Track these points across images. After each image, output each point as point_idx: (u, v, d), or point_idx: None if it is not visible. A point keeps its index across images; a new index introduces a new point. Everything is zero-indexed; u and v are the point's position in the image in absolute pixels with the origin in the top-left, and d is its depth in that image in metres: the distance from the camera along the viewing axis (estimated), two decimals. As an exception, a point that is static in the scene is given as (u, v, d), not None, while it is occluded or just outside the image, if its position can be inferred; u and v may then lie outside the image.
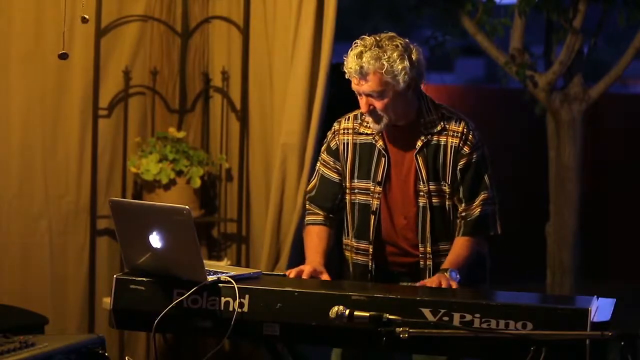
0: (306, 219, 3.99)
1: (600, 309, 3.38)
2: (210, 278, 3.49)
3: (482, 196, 3.82)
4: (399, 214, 3.86)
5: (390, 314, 3.15)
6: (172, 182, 5.35)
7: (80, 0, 4.45)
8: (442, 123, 3.81)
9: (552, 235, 6.17)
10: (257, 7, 5.40)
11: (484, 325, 3.29)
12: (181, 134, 5.47)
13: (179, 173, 5.35)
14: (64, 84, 5.33)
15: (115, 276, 3.61)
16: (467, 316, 3.31)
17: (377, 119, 3.77)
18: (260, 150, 5.47)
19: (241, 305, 3.45)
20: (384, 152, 3.83)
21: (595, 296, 3.45)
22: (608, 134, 8.67)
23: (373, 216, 3.86)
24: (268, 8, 5.36)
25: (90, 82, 5.33)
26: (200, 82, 5.60)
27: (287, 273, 3.79)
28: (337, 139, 3.92)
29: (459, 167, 3.80)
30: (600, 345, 3.17)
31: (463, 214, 3.83)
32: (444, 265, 3.75)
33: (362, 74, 3.69)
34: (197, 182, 5.37)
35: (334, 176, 3.94)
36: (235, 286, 3.46)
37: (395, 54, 3.67)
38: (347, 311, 3.21)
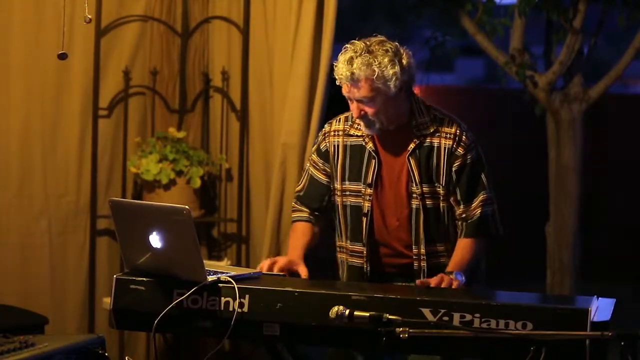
0: (292, 215, 4.01)
1: (600, 309, 3.38)
2: (210, 278, 3.50)
3: (481, 197, 3.82)
4: (391, 215, 3.86)
5: (390, 314, 3.15)
6: (172, 182, 5.35)
7: (80, 0, 4.46)
8: (434, 125, 3.81)
9: (552, 235, 6.17)
10: (257, 7, 5.40)
11: (484, 325, 3.29)
12: (181, 134, 5.47)
13: (179, 173, 5.35)
14: (64, 84, 5.33)
15: (115, 276, 3.61)
16: (467, 316, 3.31)
17: (369, 124, 3.76)
18: (260, 150, 5.47)
19: (241, 305, 3.46)
20: (374, 154, 3.83)
21: (595, 296, 3.46)
22: (608, 134, 8.66)
23: (365, 218, 3.85)
24: (268, 8, 5.36)
25: (90, 82, 5.33)
26: (200, 82, 5.60)
27: (260, 265, 3.79)
28: (327, 140, 3.93)
29: (453, 168, 3.80)
30: (600, 345, 3.17)
31: (463, 215, 3.83)
32: (449, 268, 3.74)
33: (353, 81, 3.67)
34: (197, 182, 5.37)
35: (323, 178, 3.94)
36: (235, 286, 3.46)
37: (386, 60, 3.66)
38: (347, 311, 3.21)
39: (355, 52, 3.68)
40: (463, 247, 3.81)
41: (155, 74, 5.51)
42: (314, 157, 3.97)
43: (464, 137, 3.81)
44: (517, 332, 3.25)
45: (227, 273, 3.58)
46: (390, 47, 3.69)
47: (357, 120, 3.81)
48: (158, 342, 5.04)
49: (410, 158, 3.80)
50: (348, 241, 3.92)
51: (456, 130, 3.80)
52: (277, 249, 5.25)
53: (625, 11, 5.85)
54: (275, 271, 3.77)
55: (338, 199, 3.91)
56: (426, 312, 3.33)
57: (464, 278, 3.68)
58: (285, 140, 5.19)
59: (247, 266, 5.38)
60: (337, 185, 3.90)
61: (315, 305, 3.40)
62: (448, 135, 3.80)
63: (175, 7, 5.54)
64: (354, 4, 7.97)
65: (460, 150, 3.80)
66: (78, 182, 5.39)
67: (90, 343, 3.32)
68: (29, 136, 5.30)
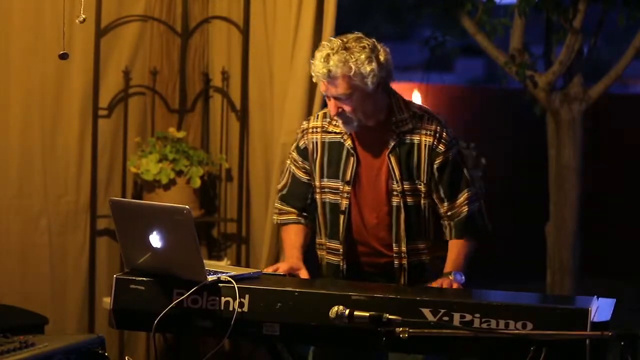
0: (279, 218, 3.98)
1: (600, 309, 3.38)
2: (210, 278, 3.50)
3: (465, 194, 3.80)
4: (370, 213, 3.84)
5: (390, 314, 3.15)
6: (172, 182, 5.35)
7: (80, 0, 4.45)
8: (413, 121, 3.78)
9: (552, 235, 6.16)
10: (257, 7, 5.40)
11: (484, 325, 3.29)
12: (181, 134, 5.47)
13: (179, 173, 5.35)
14: (64, 84, 5.33)
15: (115, 276, 3.61)
16: (467, 316, 3.31)
17: (347, 121, 3.75)
18: (260, 150, 5.47)
19: (241, 305, 3.46)
20: (352, 152, 3.81)
21: (595, 296, 3.46)
22: (608, 134, 8.66)
23: (342, 216, 3.84)
24: (268, 8, 5.36)
25: (90, 82, 5.33)
26: (200, 82, 5.60)
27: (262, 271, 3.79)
28: (305, 138, 3.90)
29: (435, 165, 3.77)
30: (600, 345, 3.17)
31: (449, 213, 3.81)
32: (446, 269, 3.74)
33: (330, 78, 3.65)
34: (197, 182, 5.37)
35: (303, 176, 3.92)
36: (235, 286, 3.46)
37: (362, 56, 3.64)
38: (347, 311, 3.21)
39: (332, 49, 3.65)
40: (455, 246, 3.80)
41: (155, 74, 5.51)
42: (294, 154, 3.93)
43: (444, 133, 3.79)
44: (517, 332, 3.25)
45: (227, 273, 3.58)
46: (367, 44, 3.67)
47: (335, 118, 3.80)
48: (158, 342, 5.03)
49: (390, 155, 3.77)
50: (326, 238, 3.91)
51: (436, 127, 3.78)
52: (277, 249, 5.25)
53: (625, 11, 5.85)
54: None
55: (317, 196, 3.89)
56: (426, 312, 3.33)
57: (463, 277, 3.68)
58: (285, 140, 5.18)
59: (247, 266, 5.38)
60: (317, 183, 3.88)
61: (315, 305, 3.40)
62: (428, 132, 3.78)
63: (175, 7, 5.53)
64: (354, 3, 7.96)
65: (441, 147, 3.78)
66: (78, 182, 5.39)
67: (90, 343, 3.33)
68: (28, 136, 5.29)
